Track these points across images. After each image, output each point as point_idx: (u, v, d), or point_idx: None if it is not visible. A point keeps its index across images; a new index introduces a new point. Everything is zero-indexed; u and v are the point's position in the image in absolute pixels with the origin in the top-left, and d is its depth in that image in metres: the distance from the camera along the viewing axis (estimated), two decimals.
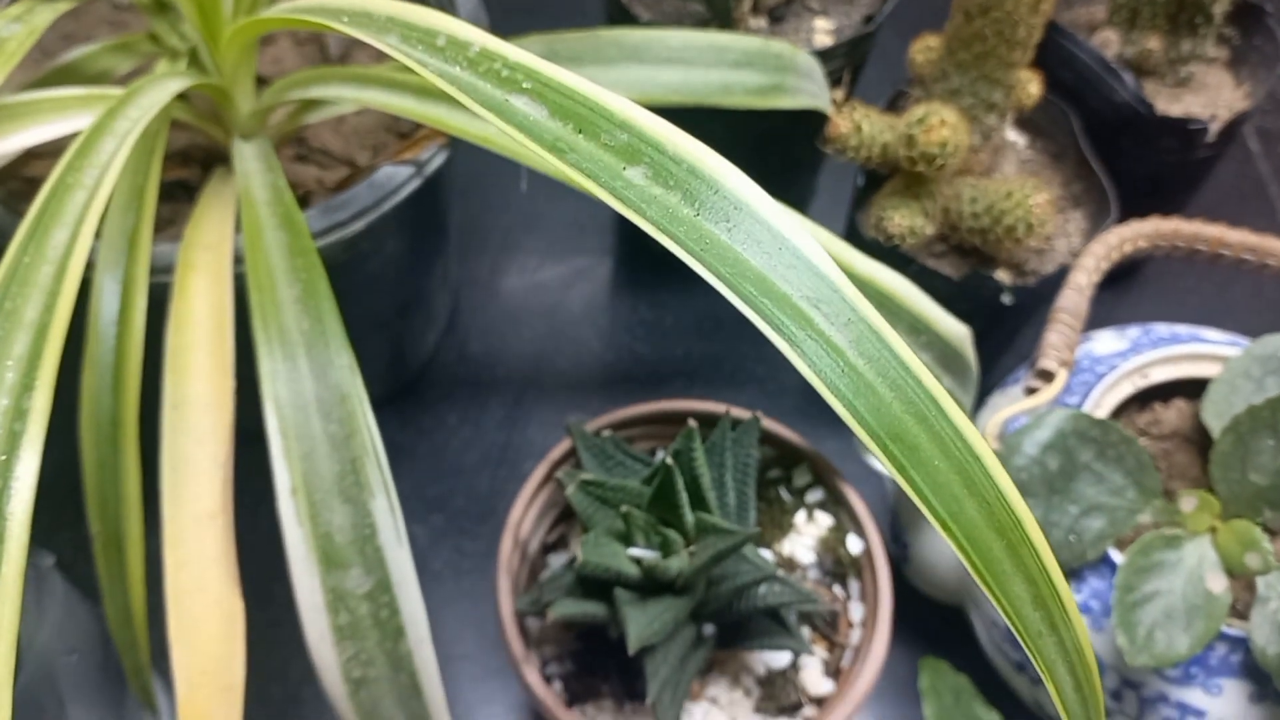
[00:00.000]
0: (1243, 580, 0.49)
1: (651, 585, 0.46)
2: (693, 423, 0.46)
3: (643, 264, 0.78)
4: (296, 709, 0.60)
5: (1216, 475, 0.48)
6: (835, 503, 0.54)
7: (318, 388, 0.43)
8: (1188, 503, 0.48)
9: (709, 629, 0.48)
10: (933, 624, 0.59)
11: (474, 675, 0.61)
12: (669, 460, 0.45)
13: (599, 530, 0.46)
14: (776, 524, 0.54)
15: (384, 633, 0.42)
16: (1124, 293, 0.77)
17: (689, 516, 0.46)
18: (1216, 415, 0.52)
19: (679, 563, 0.45)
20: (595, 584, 0.46)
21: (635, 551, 0.46)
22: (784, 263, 0.29)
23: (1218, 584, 0.46)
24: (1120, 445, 0.48)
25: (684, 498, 0.46)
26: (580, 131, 0.32)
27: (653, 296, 0.77)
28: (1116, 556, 0.49)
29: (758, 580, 0.45)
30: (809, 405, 0.72)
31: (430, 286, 0.67)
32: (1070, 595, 0.30)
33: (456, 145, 0.56)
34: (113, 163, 0.40)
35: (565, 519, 0.56)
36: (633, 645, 0.43)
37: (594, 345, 0.74)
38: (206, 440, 0.43)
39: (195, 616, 0.41)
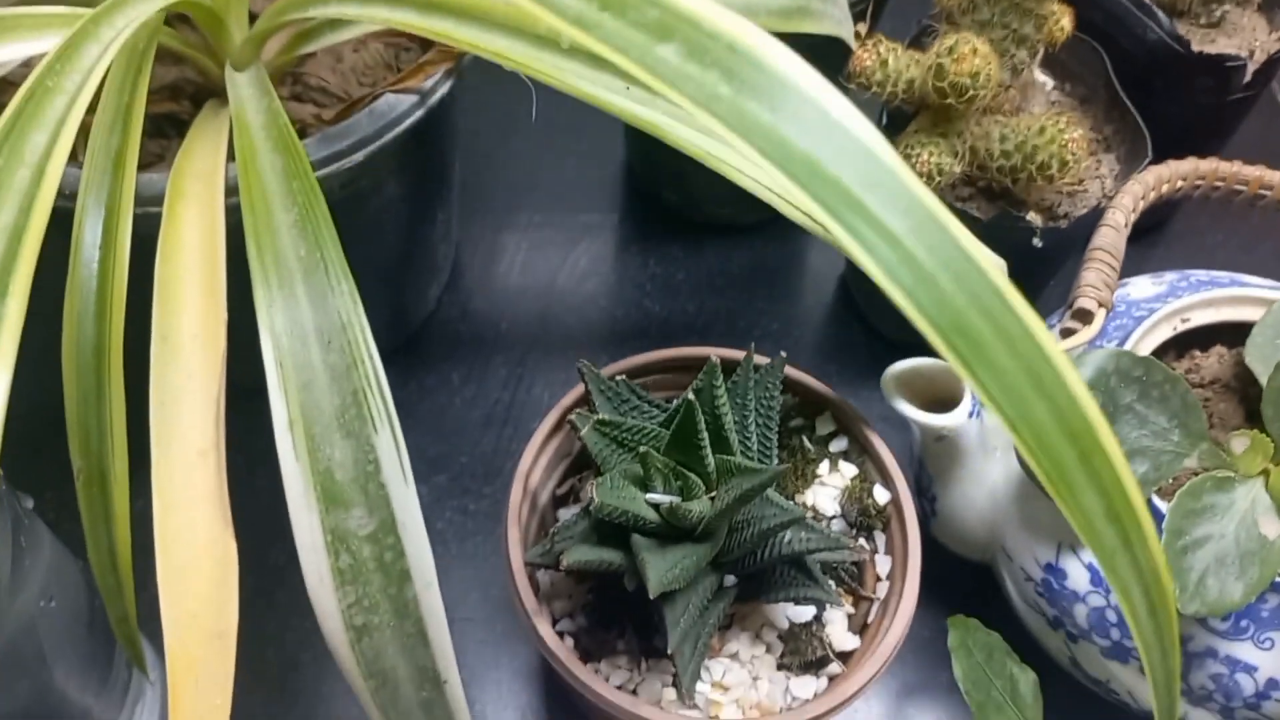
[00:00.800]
0: None
1: (671, 531, 0.43)
2: (715, 358, 0.43)
3: (653, 219, 0.76)
4: (294, 674, 0.57)
5: (1269, 414, 0.45)
6: (860, 452, 0.52)
7: (316, 316, 0.40)
8: (1239, 444, 0.45)
9: (730, 580, 0.46)
10: (961, 584, 0.57)
11: (480, 639, 0.59)
12: (690, 396, 0.42)
13: (615, 473, 0.44)
14: (799, 474, 0.51)
15: (388, 577, 0.39)
16: (1151, 247, 0.75)
17: (710, 459, 0.43)
18: (1261, 359, 0.50)
19: (700, 506, 0.42)
20: (611, 530, 0.44)
21: (654, 497, 0.43)
22: (835, 145, 0.27)
23: (1272, 528, 0.43)
24: (1164, 385, 0.46)
25: (705, 438, 0.43)
26: (605, 9, 0.29)
27: (663, 251, 0.74)
28: (1161, 505, 0.46)
29: (785, 524, 0.42)
30: (825, 362, 0.69)
31: (432, 236, 0.64)
32: (1145, 510, 0.27)
33: (458, 91, 0.53)
34: (95, 68, 0.37)
35: (576, 471, 0.53)
36: (653, 589, 0.40)
37: (602, 301, 0.72)
38: (197, 374, 0.40)
39: (185, 559, 0.38)
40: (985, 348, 0.26)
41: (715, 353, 0.51)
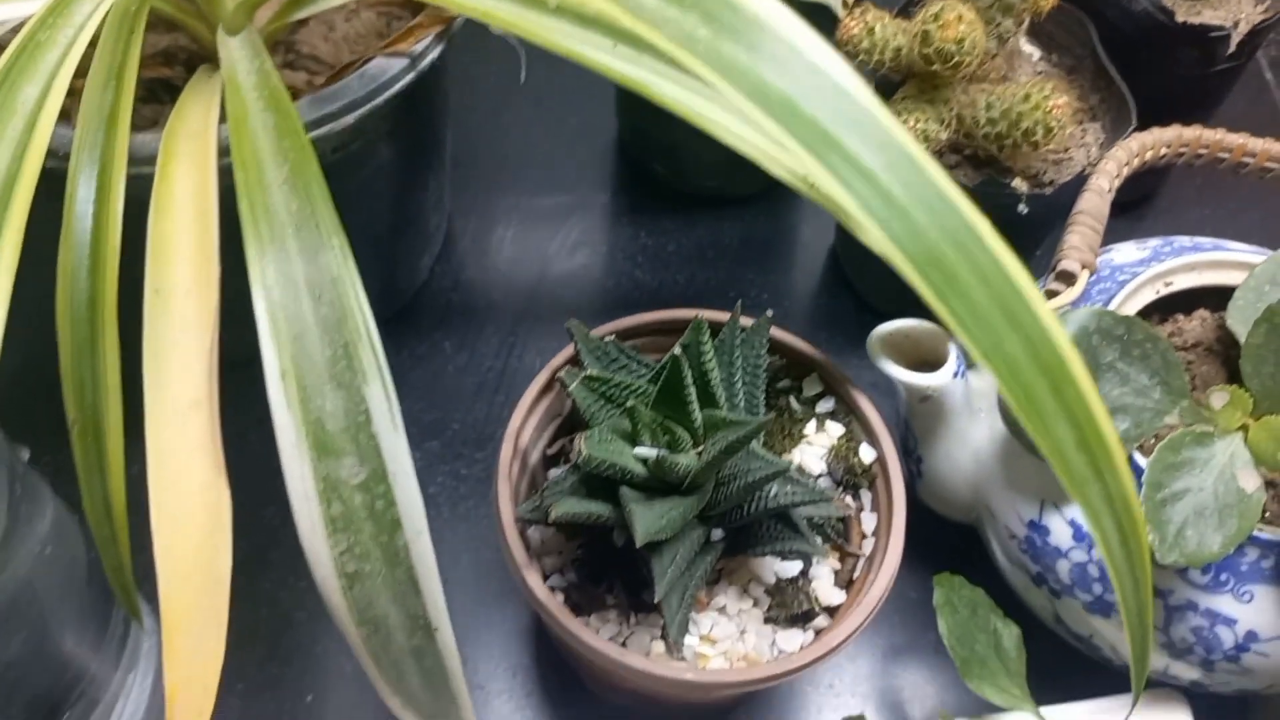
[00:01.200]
0: (1276, 485, 0.47)
1: (658, 485, 0.44)
2: (702, 315, 0.44)
3: (644, 191, 0.76)
4: (289, 633, 0.58)
5: (1248, 370, 0.46)
6: (846, 412, 0.52)
7: (307, 269, 0.40)
8: (1218, 399, 0.46)
9: (717, 533, 0.46)
10: (946, 547, 0.57)
11: (472, 600, 0.59)
12: (677, 351, 0.43)
13: (603, 428, 0.44)
14: (786, 433, 0.52)
15: (379, 525, 0.39)
16: (1137, 221, 0.76)
17: (697, 415, 0.44)
18: (1243, 321, 0.50)
19: (687, 459, 0.43)
20: (599, 483, 0.44)
21: (641, 450, 0.44)
22: (811, 85, 0.27)
23: (1250, 482, 0.44)
24: (1146, 343, 0.46)
25: (692, 393, 0.44)
26: None
27: (654, 223, 0.74)
28: (1142, 461, 0.47)
29: (770, 476, 0.43)
30: (815, 332, 0.70)
31: (424, 205, 0.65)
32: (1117, 441, 0.28)
33: (450, 59, 0.53)
34: (88, 24, 0.38)
35: (566, 432, 0.54)
36: (640, 538, 0.41)
37: (594, 272, 0.72)
38: (191, 327, 0.41)
39: (179, 507, 0.39)
40: (958, 280, 0.26)
41: (703, 313, 0.52)
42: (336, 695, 0.56)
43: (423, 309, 0.70)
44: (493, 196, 0.75)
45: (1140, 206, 0.76)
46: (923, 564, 0.59)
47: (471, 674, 0.57)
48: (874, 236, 0.26)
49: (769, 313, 0.48)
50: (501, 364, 0.68)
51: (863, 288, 0.71)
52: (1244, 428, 0.45)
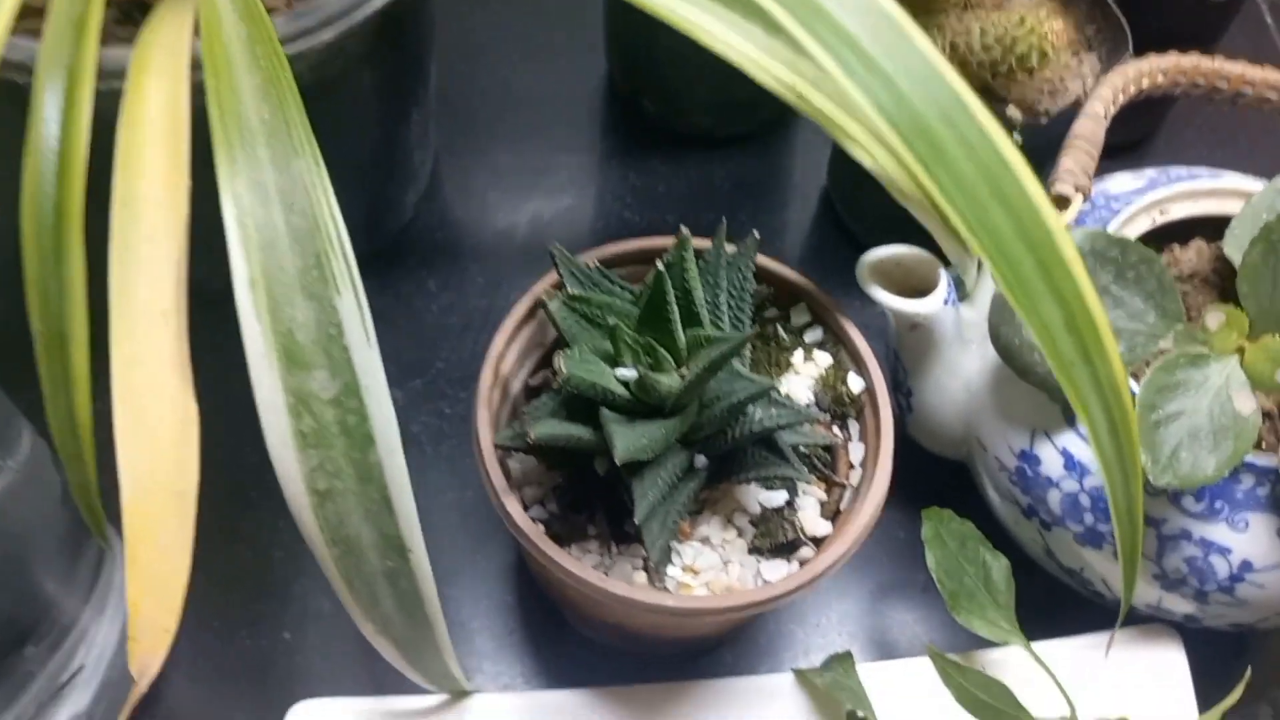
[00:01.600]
0: (1273, 399, 0.46)
1: (640, 407, 0.43)
2: (685, 230, 0.43)
3: (634, 132, 0.75)
4: (267, 572, 0.57)
5: (1244, 290, 0.45)
6: (835, 342, 0.51)
7: (279, 178, 0.39)
8: (1213, 319, 0.45)
9: (701, 460, 0.45)
10: (936, 487, 0.56)
11: (454, 539, 0.59)
12: (660, 267, 0.42)
13: (584, 347, 0.43)
14: (774, 363, 0.51)
15: (351, 441, 0.38)
16: (1136, 165, 0.74)
17: (680, 335, 0.43)
18: (1240, 249, 0.49)
19: (669, 380, 0.42)
20: (580, 405, 0.43)
21: (623, 372, 0.43)
22: None
23: (1246, 404, 0.43)
24: (1140, 265, 0.45)
25: (675, 311, 0.42)
26: None
27: (644, 164, 0.73)
28: (1135, 388, 0.46)
29: (753, 396, 0.42)
30: (807, 274, 0.69)
31: (408, 138, 0.64)
32: (1106, 324, 0.27)
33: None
34: None
35: (548, 363, 0.52)
36: (620, 456, 0.40)
37: (582, 213, 0.71)
38: (160, 238, 0.40)
39: (146, 417, 0.37)
40: (944, 151, 0.25)
41: (686, 230, 0.51)
42: (314, 633, 0.56)
43: (408, 247, 0.68)
44: (480, 136, 0.74)
45: (1138, 147, 0.75)
46: (912, 504, 0.57)
47: (454, 612, 0.56)
48: (858, 101, 0.25)
49: (755, 234, 0.47)
50: (486, 304, 0.67)
51: (855, 227, 0.70)
52: (1240, 350, 0.44)
